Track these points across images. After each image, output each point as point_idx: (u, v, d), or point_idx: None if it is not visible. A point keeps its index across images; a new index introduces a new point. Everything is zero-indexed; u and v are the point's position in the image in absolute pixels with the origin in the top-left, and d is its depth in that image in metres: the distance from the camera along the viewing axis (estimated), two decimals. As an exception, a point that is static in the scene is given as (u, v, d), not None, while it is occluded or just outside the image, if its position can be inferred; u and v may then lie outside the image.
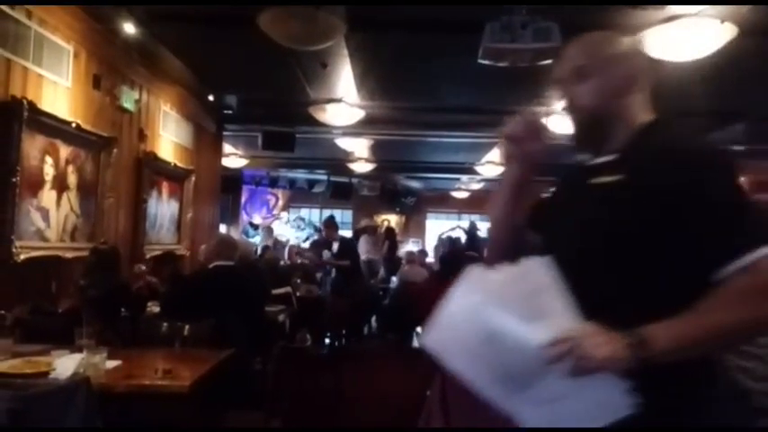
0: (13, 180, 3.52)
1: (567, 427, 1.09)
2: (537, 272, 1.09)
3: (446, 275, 4.90)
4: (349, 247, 7.79)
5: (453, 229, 12.06)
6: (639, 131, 1.30)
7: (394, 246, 11.36)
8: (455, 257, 4.99)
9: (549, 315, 1.04)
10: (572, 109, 1.37)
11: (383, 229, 13.11)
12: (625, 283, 1.13)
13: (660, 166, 1.17)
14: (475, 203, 15.98)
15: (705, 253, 1.10)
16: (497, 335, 1.06)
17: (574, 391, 1.05)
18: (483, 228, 14.16)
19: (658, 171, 1.17)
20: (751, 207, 1.15)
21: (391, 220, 15.96)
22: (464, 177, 13.16)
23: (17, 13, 3.61)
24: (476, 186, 14.22)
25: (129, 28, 4.45)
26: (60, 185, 4.14)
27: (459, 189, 15.08)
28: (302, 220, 14.50)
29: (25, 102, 3.60)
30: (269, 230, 11.74)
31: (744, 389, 2.05)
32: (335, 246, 7.73)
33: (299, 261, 8.51)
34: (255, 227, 12.92)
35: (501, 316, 1.06)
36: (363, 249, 10.93)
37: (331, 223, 8.20)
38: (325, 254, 7.60)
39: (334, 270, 7.64)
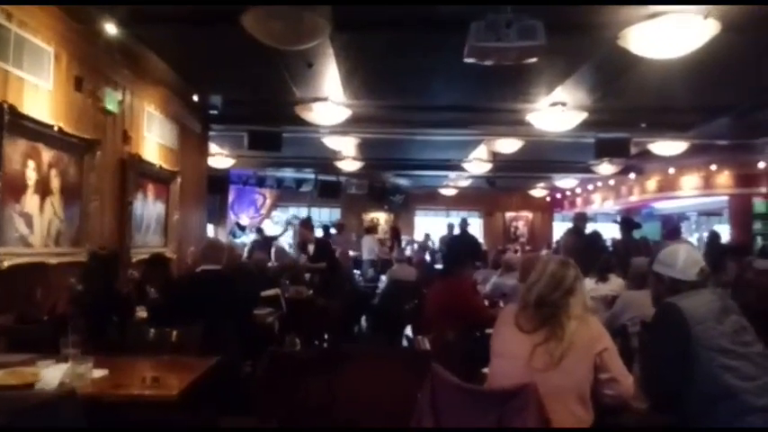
0: (-5, 186, 3.47)
1: None
2: None
3: (447, 274, 4.87)
4: (325, 248, 7.79)
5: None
6: None
7: (393, 246, 11.43)
8: (458, 256, 4.95)
9: None
10: None
11: (377, 228, 13.13)
12: None
13: None
14: (463, 200, 16.05)
15: None
16: None
17: None
18: (474, 224, 14.21)
19: None
20: None
21: (380, 218, 15.97)
22: (452, 174, 13.20)
23: (-4, 16, 3.55)
24: (464, 183, 14.26)
25: (111, 29, 4.39)
26: (43, 190, 4.08)
27: (447, 186, 15.11)
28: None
29: (6, 106, 3.54)
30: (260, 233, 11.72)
31: (729, 386, 2.07)
32: (311, 248, 7.70)
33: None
34: (243, 228, 12.87)
35: None
36: (367, 248, 10.98)
37: (307, 224, 8.15)
38: (301, 257, 7.59)
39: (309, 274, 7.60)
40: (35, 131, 3.93)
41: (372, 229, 12.62)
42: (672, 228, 11.90)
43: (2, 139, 3.52)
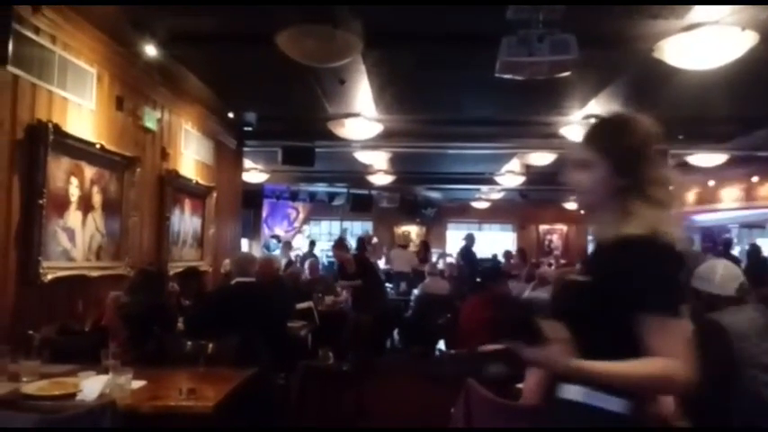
0: (40, 202, 3.60)
1: None
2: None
3: (477, 289, 4.86)
4: (365, 266, 7.70)
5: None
6: None
7: (426, 259, 11.34)
8: (490, 271, 4.94)
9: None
10: None
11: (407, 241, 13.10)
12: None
13: None
14: (496, 213, 15.91)
15: None
16: None
17: None
18: (507, 237, 14.01)
19: None
20: None
21: (412, 231, 15.95)
22: (484, 188, 13.12)
23: (42, 39, 3.70)
24: (496, 196, 14.15)
25: (151, 50, 4.53)
26: (86, 206, 4.22)
27: (479, 199, 15.01)
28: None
29: (50, 125, 3.68)
30: (287, 245, 11.78)
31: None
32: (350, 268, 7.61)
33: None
34: (278, 237, 12.99)
35: None
36: (404, 261, 10.98)
37: (341, 245, 8.03)
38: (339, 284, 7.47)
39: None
40: (78, 149, 4.07)
41: (406, 244, 12.56)
42: (722, 242, 11.42)
43: (47, 156, 3.65)
